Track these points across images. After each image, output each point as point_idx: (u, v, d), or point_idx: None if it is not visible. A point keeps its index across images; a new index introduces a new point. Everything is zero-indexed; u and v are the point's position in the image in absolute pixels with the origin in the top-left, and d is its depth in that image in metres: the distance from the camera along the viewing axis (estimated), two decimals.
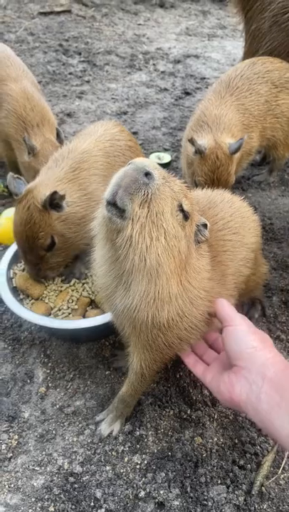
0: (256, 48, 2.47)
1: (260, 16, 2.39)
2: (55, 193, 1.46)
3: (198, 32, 4.77)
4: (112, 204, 0.83)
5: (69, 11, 4.93)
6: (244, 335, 1.04)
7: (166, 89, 3.55)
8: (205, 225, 1.05)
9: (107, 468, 1.33)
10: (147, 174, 0.82)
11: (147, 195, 0.83)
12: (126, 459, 1.35)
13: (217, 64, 4.02)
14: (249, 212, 1.45)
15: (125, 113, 3.23)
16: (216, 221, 1.27)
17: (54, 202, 1.49)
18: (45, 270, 1.62)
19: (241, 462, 1.34)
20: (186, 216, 0.93)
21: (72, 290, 1.66)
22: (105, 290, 1.06)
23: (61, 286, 1.68)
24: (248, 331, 1.05)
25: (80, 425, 1.44)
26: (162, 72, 3.84)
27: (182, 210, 0.92)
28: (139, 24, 4.88)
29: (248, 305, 1.81)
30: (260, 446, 1.37)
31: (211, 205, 1.30)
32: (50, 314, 1.61)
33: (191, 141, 1.86)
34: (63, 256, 1.63)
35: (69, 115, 3.12)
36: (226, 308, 1.10)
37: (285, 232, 2.19)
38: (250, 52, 2.54)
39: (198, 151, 1.86)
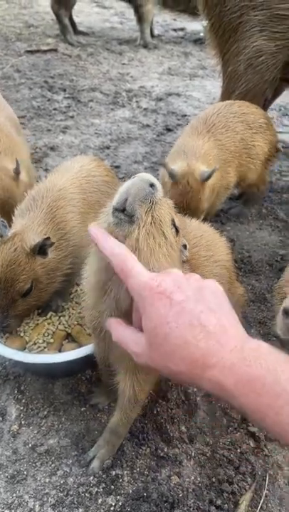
0: (233, 89, 2.58)
1: (236, 58, 2.50)
2: (47, 239, 1.47)
3: (180, 72, 4.95)
4: (120, 211, 0.88)
5: (55, 50, 5.09)
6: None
7: (148, 126, 3.65)
8: (185, 246, 1.11)
9: (80, 510, 1.28)
10: (152, 185, 0.89)
11: (152, 203, 0.89)
12: (100, 501, 1.30)
13: (198, 102, 4.16)
14: (216, 234, 1.55)
15: (108, 148, 3.30)
16: (190, 239, 1.35)
17: (43, 248, 1.49)
18: (11, 317, 1.53)
19: (218, 502, 1.30)
20: (177, 231, 1.00)
21: (49, 323, 1.64)
22: (97, 310, 1.07)
23: (37, 320, 1.65)
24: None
25: (52, 465, 1.39)
26: (145, 109, 3.96)
27: (174, 225, 0.99)
28: (124, 63, 5.05)
29: None
30: (237, 485, 1.34)
31: (182, 226, 1.36)
32: (25, 348, 1.58)
33: (164, 164, 1.92)
34: (32, 304, 1.57)
35: (52, 149, 3.18)
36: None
37: (262, 265, 2.22)
38: (227, 93, 2.65)
39: (170, 175, 1.93)
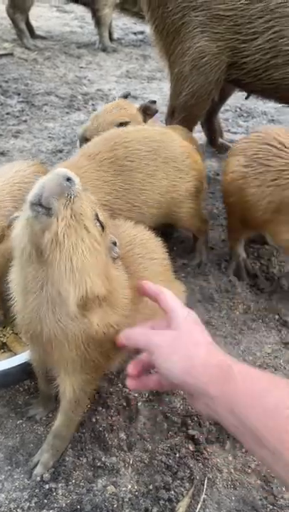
0: (180, 90, 2.58)
1: (181, 59, 2.50)
2: None
3: (138, 75, 4.95)
4: (37, 204, 0.86)
5: (11, 54, 5.01)
6: (168, 360, 0.91)
7: None
8: (114, 243, 1.12)
9: None
10: (68, 179, 0.88)
11: (70, 197, 0.88)
12: None
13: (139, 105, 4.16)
14: (152, 234, 1.54)
15: (61, 151, 3.25)
16: (124, 237, 1.36)
17: None
18: None
19: (154, 510, 1.26)
20: (102, 226, 1.00)
21: None
22: (28, 312, 1.05)
23: None
24: (170, 352, 0.92)
25: None
26: None
27: (98, 220, 0.98)
28: (81, 67, 5.01)
29: None
30: (174, 491, 1.31)
31: (115, 226, 1.37)
32: None
33: None
34: None
35: (2, 154, 3.10)
36: (137, 336, 1.02)
37: (211, 265, 2.21)
38: (175, 94, 2.65)
39: None
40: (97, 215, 0.99)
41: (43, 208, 0.86)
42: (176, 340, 0.92)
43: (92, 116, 2.14)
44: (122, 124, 2.05)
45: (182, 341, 0.92)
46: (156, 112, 2.19)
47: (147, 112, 2.16)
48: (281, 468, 0.73)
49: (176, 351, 0.90)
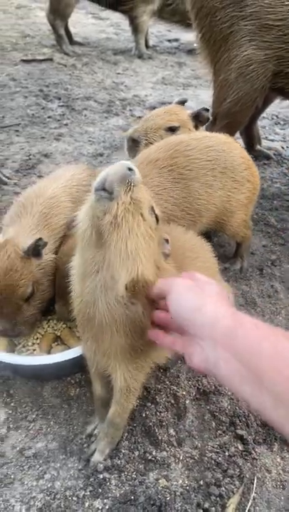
0: (224, 97, 2.62)
1: (227, 67, 2.54)
2: (40, 239, 1.50)
3: (173, 81, 5.02)
4: (100, 190, 0.94)
5: (51, 59, 5.14)
6: (182, 296, 0.95)
7: None
8: (167, 240, 1.16)
9: None
10: (130, 169, 0.96)
11: (130, 184, 0.95)
12: (87, 504, 1.29)
13: (191, 111, 4.21)
14: (201, 240, 1.60)
15: (101, 155, 3.32)
16: (176, 241, 1.40)
17: (37, 249, 1.51)
18: (21, 324, 1.56)
19: (206, 505, 1.29)
20: (157, 219, 1.06)
21: (38, 326, 1.64)
22: (85, 295, 1.10)
23: None
24: (186, 290, 0.96)
25: (40, 468, 1.38)
26: (138, 117, 3.99)
27: (154, 212, 1.05)
28: (118, 73, 5.11)
29: None
30: (225, 488, 1.34)
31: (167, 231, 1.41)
32: (13, 351, 1.58)
33: None
34: (38, 307, 1.61)
35: (46, 156, 3.20)
36: (160, 281, 1.04)
37: (253, 270, 2.24)
38: (218, 101, 2.68)
39: None
40: (152, 208, 1.05)
41: (105, 192, 0.93)
42: (196, 286, 0.97)
43: (142, 118, 2.21)
44: (170, 129, 2.11)
45: (200, 287, 0.96)
46: (208, 119, 2.23)
47: (199, 118, 2.21)
48: (279, 413, 0.73)
49: (193, 291, 0.94)
